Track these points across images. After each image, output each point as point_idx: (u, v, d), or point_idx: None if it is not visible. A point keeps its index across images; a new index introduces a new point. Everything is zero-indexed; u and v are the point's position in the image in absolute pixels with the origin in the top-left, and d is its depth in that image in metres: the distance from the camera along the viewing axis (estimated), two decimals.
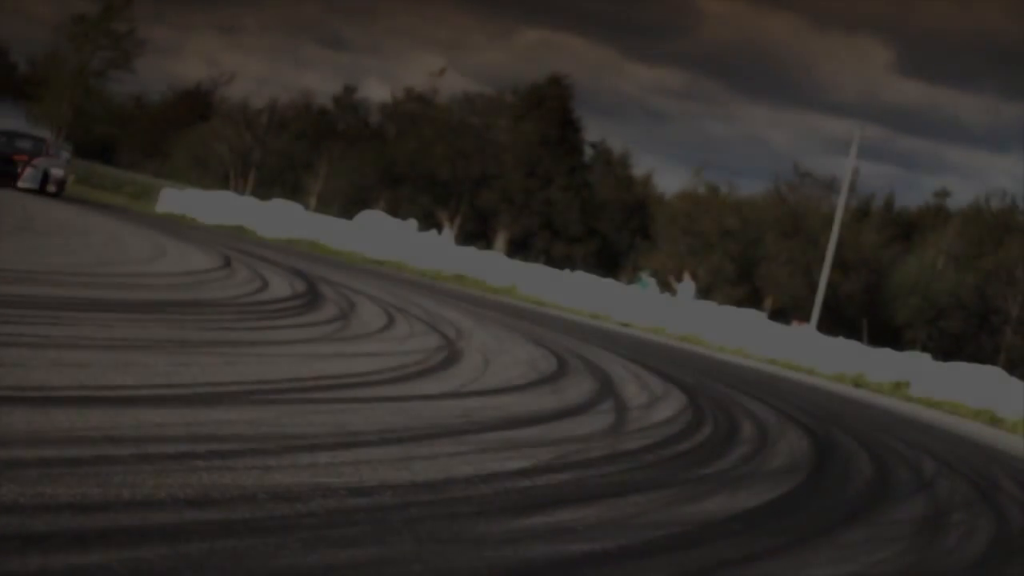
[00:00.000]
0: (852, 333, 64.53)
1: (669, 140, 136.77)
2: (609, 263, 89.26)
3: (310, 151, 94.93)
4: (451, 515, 8.27)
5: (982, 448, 24.14)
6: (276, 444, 9.28)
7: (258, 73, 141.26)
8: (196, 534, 6.62)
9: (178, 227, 43.81)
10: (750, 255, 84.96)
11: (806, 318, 61.03)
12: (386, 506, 8.15)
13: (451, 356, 17.91)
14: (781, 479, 13.25)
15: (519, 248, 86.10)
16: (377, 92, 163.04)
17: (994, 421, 33.77)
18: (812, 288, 69.05)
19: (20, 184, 43.43)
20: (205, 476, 7.91)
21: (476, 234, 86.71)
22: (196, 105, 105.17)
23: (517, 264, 51.51)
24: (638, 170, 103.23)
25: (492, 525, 8.28)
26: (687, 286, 52.44)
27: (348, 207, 75.71)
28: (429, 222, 77.86)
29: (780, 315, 67.84)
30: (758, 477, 13.10)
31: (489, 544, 7.74)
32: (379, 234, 50.98)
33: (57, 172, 45.94)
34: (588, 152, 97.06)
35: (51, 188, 45.31)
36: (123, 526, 6.50)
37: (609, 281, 51.60)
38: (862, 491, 13.95)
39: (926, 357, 41.50)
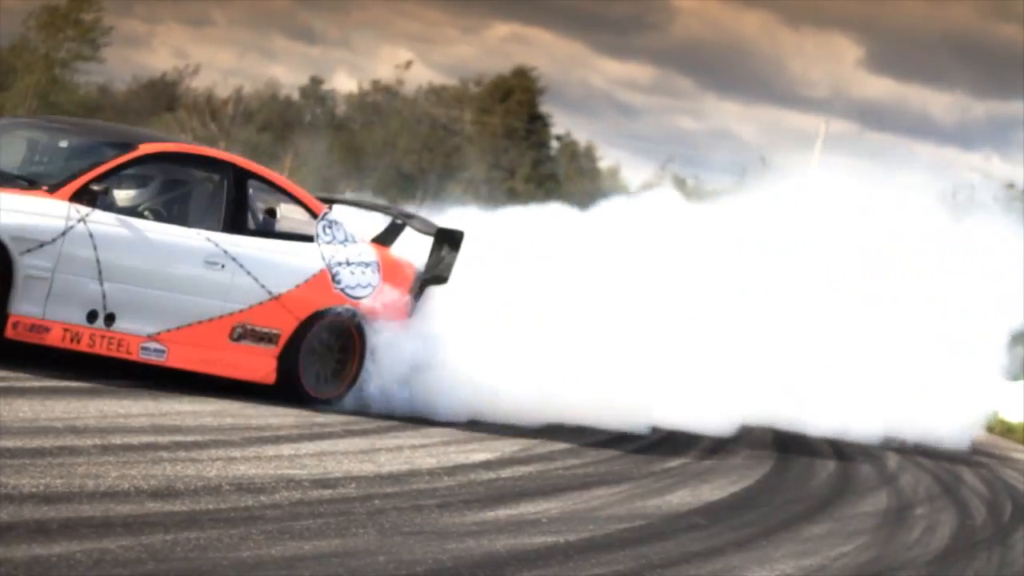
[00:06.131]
0: None
1: (638, 135, 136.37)
2: None
3: (275, 142, 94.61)
4: (415, 507, 8.27)
5: None
6: (240, 435, 9.27)
7: (227, 66, 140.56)
8: (160, 525, 6.61)
9: None
10: None
11: None
12: (350, 498, 8.14)
13: None
14: (744, 473, 13.27)
15: None
16: (346, 85, 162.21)
17: None
18: None
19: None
20: (169, 467, 7.90)
21: None
22: (161, 95, 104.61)
23: None
24: (604, 163, 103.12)
25: (456, 517, 8.28)
26: None
27: None
28: None
29: None
30: (721, 471, 13.12)
31: (453, 536, 7.75)
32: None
33: None
34: (554, 145, 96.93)
35: None
36: (86, 516, 6.48)
37: None
38: (825, 485, 13.97)
39: None
